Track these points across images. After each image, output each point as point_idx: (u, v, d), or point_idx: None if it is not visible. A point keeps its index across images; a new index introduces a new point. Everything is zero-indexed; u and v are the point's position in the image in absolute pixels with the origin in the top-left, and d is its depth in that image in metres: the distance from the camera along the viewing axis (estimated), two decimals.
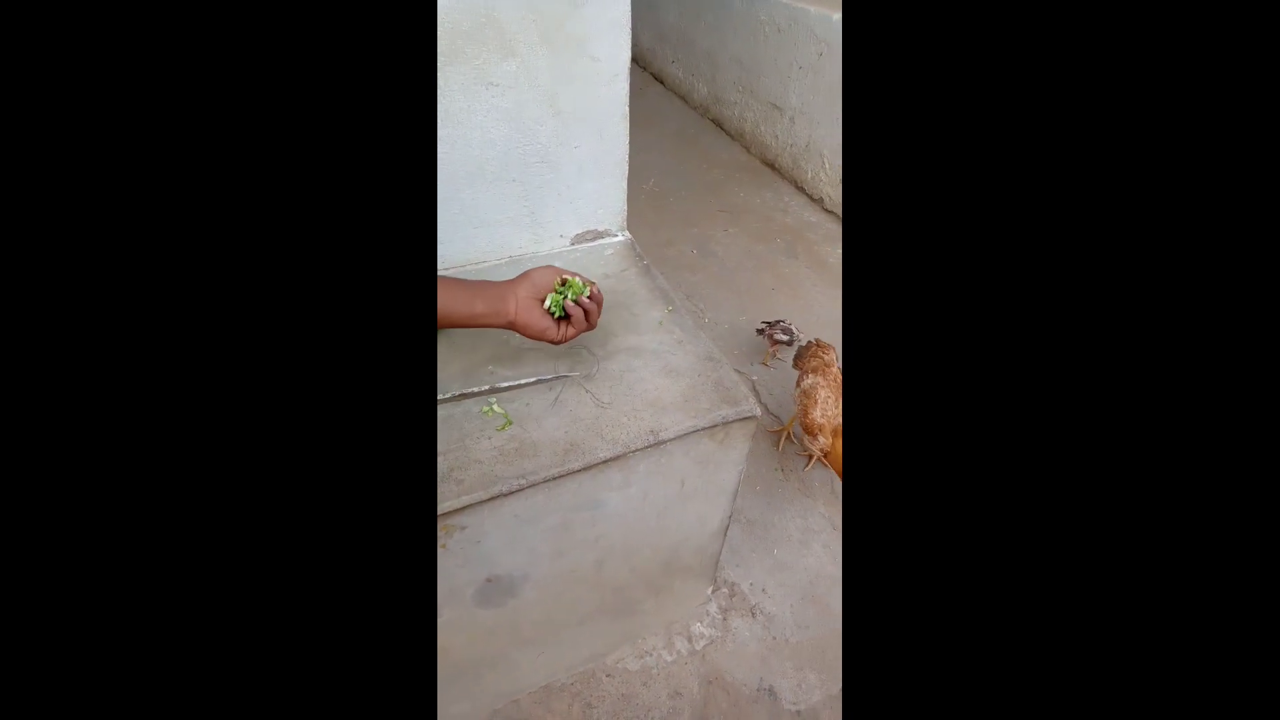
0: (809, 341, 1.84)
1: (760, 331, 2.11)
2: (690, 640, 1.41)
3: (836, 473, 1.57)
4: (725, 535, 1.21)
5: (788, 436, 1.89)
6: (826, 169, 3.03)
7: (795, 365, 1.79)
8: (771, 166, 3.42)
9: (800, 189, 3.21)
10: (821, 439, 1.61)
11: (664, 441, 0.84)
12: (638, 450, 0.82)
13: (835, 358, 1.76)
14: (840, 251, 2.79)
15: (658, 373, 0.92)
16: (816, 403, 1.65)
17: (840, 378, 1.68)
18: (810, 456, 1.83)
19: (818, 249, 2.81)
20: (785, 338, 2.05)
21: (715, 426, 0.88)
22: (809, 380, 1.69)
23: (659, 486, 0.91)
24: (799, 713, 1.32)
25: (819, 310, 2.46)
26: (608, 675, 1.34)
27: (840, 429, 1.58)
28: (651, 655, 1.37)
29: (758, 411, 0.92)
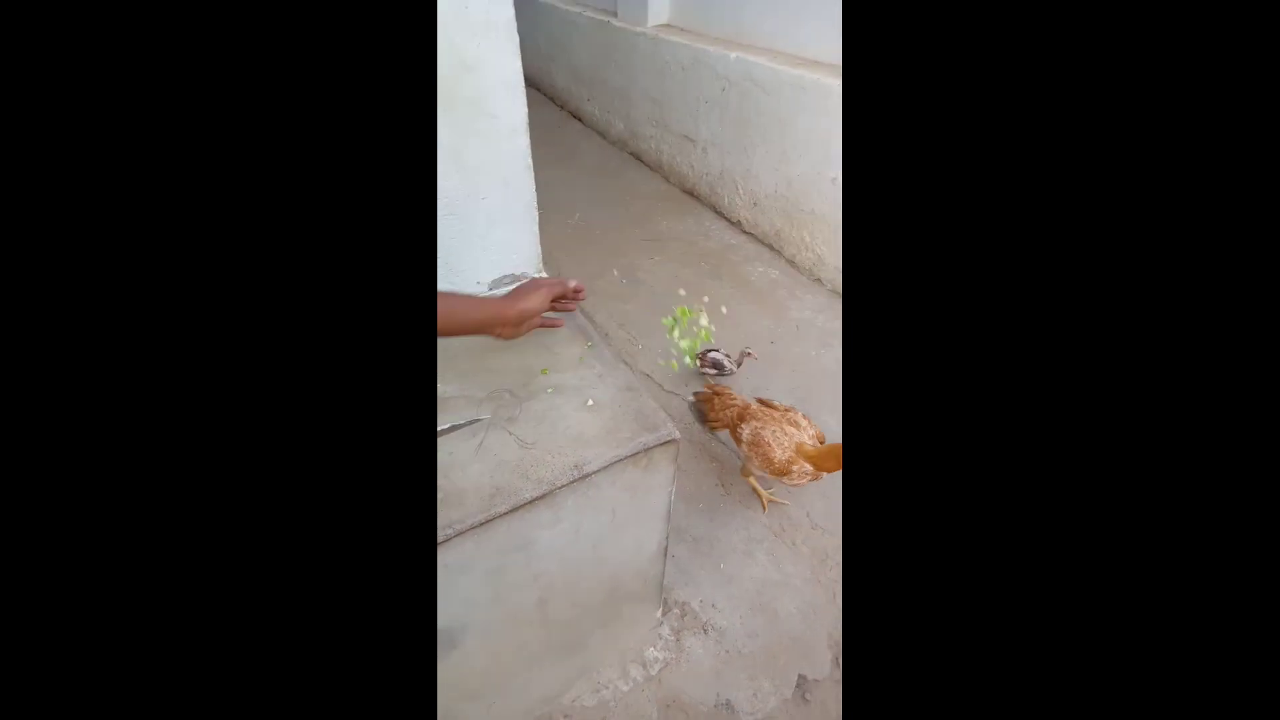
0: (704, 391, 1.81)
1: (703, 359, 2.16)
2: (645, 666, 1.42)
3: (827, 466, 1.48)
4: (665, 557, 1.24)
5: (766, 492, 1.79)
6: (741, 194, 3.20)
7: (705, 423, 1.73)
8: (691, 194, 3.57)
9: (719, 214, 3.36)
10: (797, 469, 1.54)
11: (589, 474, 0.87)
12: (564, 486, 0.85)
13: (738, 396, 1.72)
14: (760, 270, 2.94)
15: (579, 408, 0.95)
16: (771, 446, 1.59)
17: (771, 413, 1.65)
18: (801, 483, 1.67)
19: (740, 269, 2.94)
20: (713, 370, 2.11)
21: (638, 454, 0.92)
22: (746, 430, 1.64)
23: (590, 519, 0.93)
24: None
25: (747, 327, 2.58)
26: (565, 716, 1.33)
27: (806, 446, 1.54)
28: (608, 688, 1.37)
29: (677, 435, 0.97)
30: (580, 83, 4.44)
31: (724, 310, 2.56)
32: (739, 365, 2.09)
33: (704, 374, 2.07)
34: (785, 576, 1.62)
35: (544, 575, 0.92)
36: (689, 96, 3.36)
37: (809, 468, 1.53)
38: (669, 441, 0.95)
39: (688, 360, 2.12)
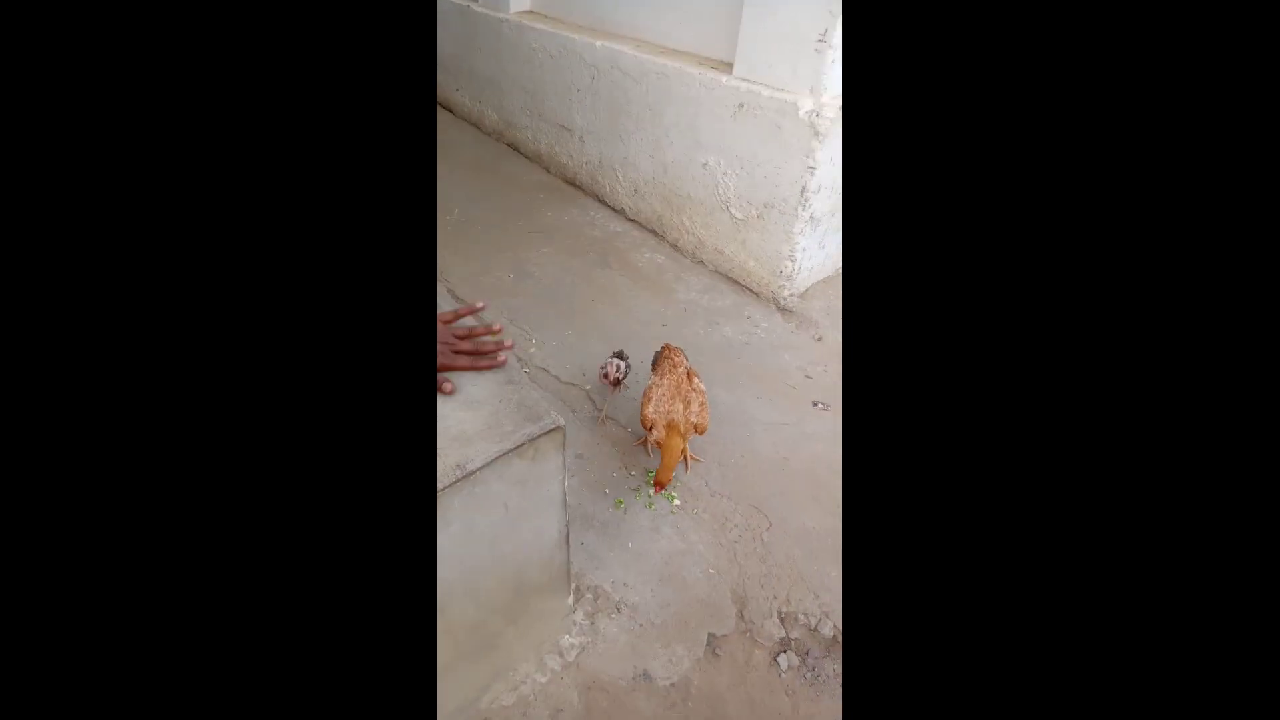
0: (663, 347, 1.97)
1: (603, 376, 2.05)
2: (562, 655, 1.44)
3: (665, 465, 1.70)
4: (568, 544, 1.25)
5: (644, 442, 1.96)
6: (621, 182, 3.24)
7: (652, 370, 1.91)
8: (573, 184, 3.56)
9: (603, 202, 3.38)
10: (655, 431, 1.75)
11: (473, 472, 0.86)
12: (447, 488, 0.83)
13: (683, 359, 1.91)
14: (647, 256, 3.00)
15: (458, 407, 0.93)
16: (650, 400, 1.81)
17: (686, 379, 1.84)
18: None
19: (628, 256, 2.99)
20: (618, 373, 1.97)
21: (523, 445, 0.92)
22: (651, 381, 1.86)
23: (481, 518, 0.92)
24: (673, 685, 1.42)
25: (638, 312, 2.64)
26: None
27: (676, 426, 1.73)
28: (526, 683, 1.37)
29: (561, 422, 0.98)
30: (446, 71, 4.23)
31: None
32: (622, 374, 1.97)
33: (610, 379, 1.99)
34: (689, 545, 1.70)
35: (440, 582, 0.89)
36: (560, 85, 3.34)
37: (658, 434, 1.75)
38: (554, 429, 0.96)
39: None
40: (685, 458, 1.91)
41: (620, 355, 2.00)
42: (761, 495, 1.85)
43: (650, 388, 1.85)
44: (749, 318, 2.63)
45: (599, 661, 1.44)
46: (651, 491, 1.81)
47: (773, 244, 2.60)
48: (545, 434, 0.95)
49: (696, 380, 1.87)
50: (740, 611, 1.56)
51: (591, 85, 3.14)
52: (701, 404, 1.81)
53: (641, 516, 1.77)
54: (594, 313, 2.60)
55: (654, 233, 3.14)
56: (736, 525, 1.76)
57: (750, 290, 2.78)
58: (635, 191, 3.18)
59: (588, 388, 2.21)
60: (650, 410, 1.79)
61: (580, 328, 2.49)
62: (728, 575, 1.63)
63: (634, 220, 3.24)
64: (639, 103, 2.92)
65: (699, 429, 1.79)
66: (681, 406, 1.77)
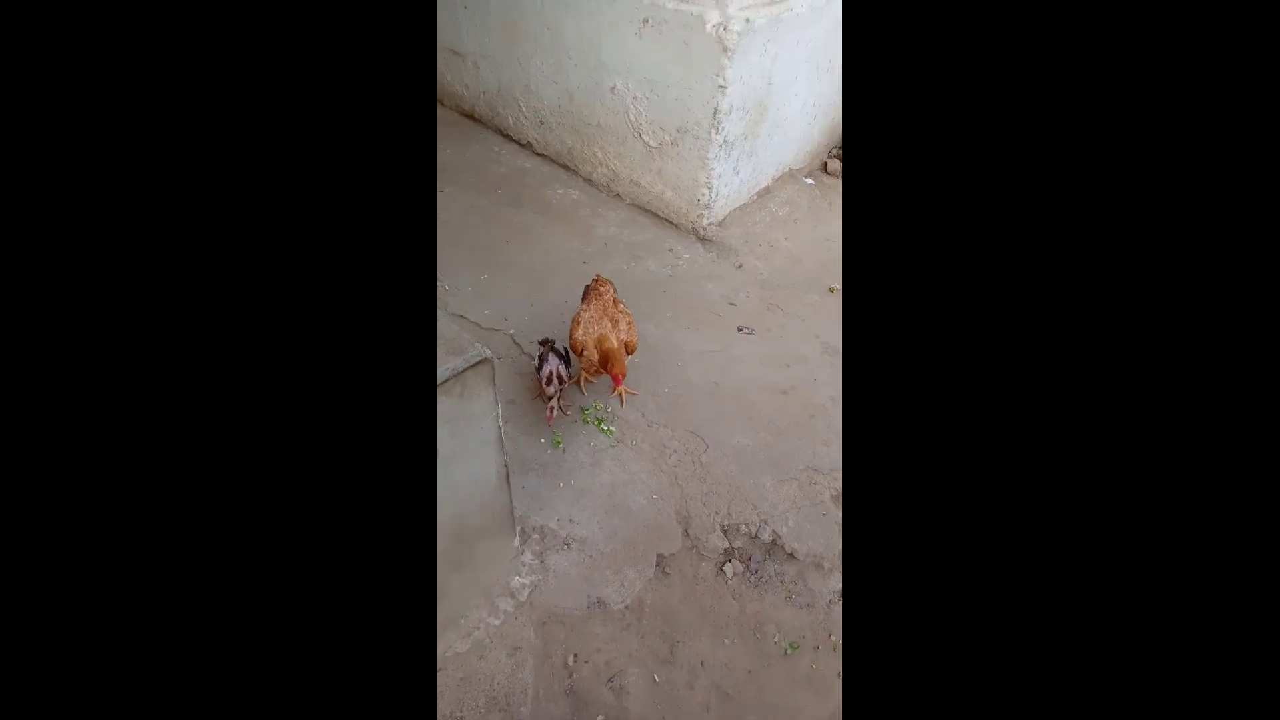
0: (594, 278, 1.90)
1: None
2: (513, 595, 1.43)
3: (613, 373, 1.68)
4: (509, 485, 1.22)
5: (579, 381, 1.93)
6: (525, 112, 3.02)
7: (581, 301, 1.86)
8: (471, 117, 3.28)
9: (507, 136, 3.16)
10: (585, 353, 1.73)
11: None
12: None
13: (611, 289, 1.88)
14: (560, 191, 2.86)
15: None
16: (579, 324, 1.77)
17: (612, 304, 1.83)
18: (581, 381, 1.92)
19: (540, 193, 2.84)
20: (558, 372, 1.69)
21: (449, 381, 0.86)
22: (579, 308, 1.83)
23: None
24: (627, 607, 1.46)
25: (556, 251, 2.54)
26: (440, 670, 1.29)
27: (603, 338, 1.71)
28: (480, 628, 1.36)
29: (488, 353, 0.92)
30: None
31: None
32: (564, 373, 1.73)
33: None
34: (631, 475, 1.73)
35: None
36: (444, 1, 2.99)
37: (594, 357, 1.73)
38: (480, 362, 0.90)
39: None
40: (619, 393, 1.91)
41: (549, 345, 1.77)
42: (697, 420, 1.89)
43: (578, 314, 1.82)
44: (670, 250, 2.61)
45: (552, 596, 1.45)
46: (611, 405, 1.78)
47: (688, 171, 2.56)
48: (471, 367, 0.89)
49: (623, 306, 1.86)
50: (685, 530, 1.62)
51: (479, 0, 2.85)
52: (629, 324, 1.82)
53: (581, 454, 1.76)
54: (509, 254, 2.47)
55: (565, 167, 2.99)
56: (675, 451, 1.80)
57: (669, 222, 2.75)
58: (541, 123, 2.99)
59: (511, 332, 2.12)
60: (580, 333, 1.77)
61: (496, 270, 2.36)
62: (670, 498, 1.68)
63: (543, 155, 3.07)
64: (535, 20, 2.69)
65: (629, 347, 1.80)
66: (610, 326, 1.75)
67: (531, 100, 2.96)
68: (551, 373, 1.73)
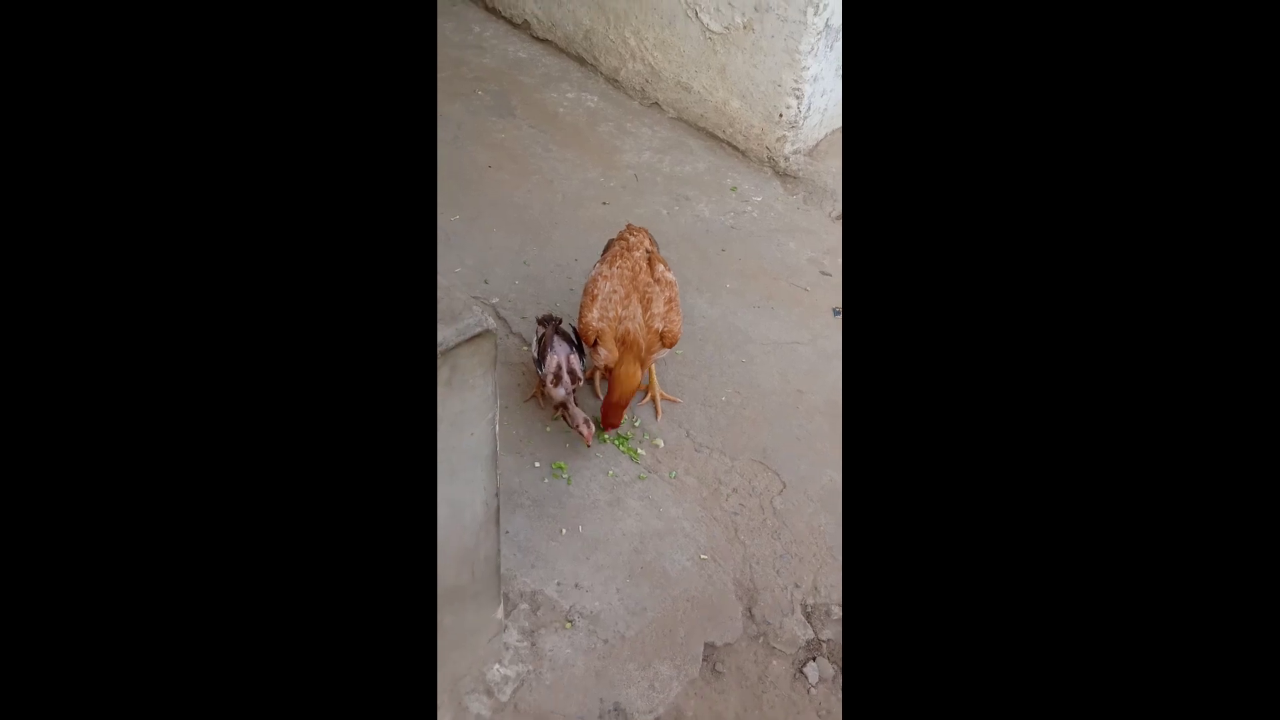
0: (624, 229, 1.90)
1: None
2: (491, 693, 1.43)
3: (620, 402, 1.67)
4: (499, 526, 1.21)
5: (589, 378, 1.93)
6: None
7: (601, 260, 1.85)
8: None
9: (494, 11, 3.15)
10: (603, 351, 1.71)
11: None
12: None
13: (645, 240, 1.85)
14: (570, 96, 2.85)
15: None
16: (595, 299, 1.75)
17: (645, 266, 1.80)
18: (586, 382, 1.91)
19: (539, 97, 2.83)
20: (563, 390, 1.69)
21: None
22: (595, 271, 1.80)
23: None
24: (658, 719, 1.45)
25: (562, 184, 2.53)
26: None
27: (634, 341, 1.69)
28: None
29: (491, 324, 0.90)
30: None
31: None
32: (576, 368, 1.73)
33: (553, 394, 1.74)
34: (669, 522, 1.71)
35: None
36: None
37: (606, 354, 1.70)
38: (479, 336, 0.88)
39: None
40: (653, 398, 1.89)
41: (553, 325, 1.75)
42: (768, 445, 1.88)
43: (593, 281, 1.79)
44: (734, 189, 2.60)
45: (547, 698, 1.44)
46: (604, 438, 1.79)
47: (768, 71, 2.53)
48: (465, 343, 0.87)
49: (662, 269, 1.83)
50: (748, 609, 1.61)
51: None
52: (670, 301, 1.78)
53: (594, 487, 1.75)
54: (491, 185, 2.47)
55: (580, 60, 2.98)
56: (736, 490, 1.79)
57: (733, 147, 2.73)
58: None
59: (494, 301, 2.11)
60: (594, 316, 1.74)
61: (472, 209, 2.36)
62: (727, 560, 1.66)
63: (546, 40, 3.06)
64: None
65: (666, 339, 1.77)
66: (639, 308, 1.73)
67: None
68: (560, 366, 1.72)
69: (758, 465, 1.84)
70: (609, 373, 1.75)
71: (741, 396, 1.98)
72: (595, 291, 1.77)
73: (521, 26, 3.11)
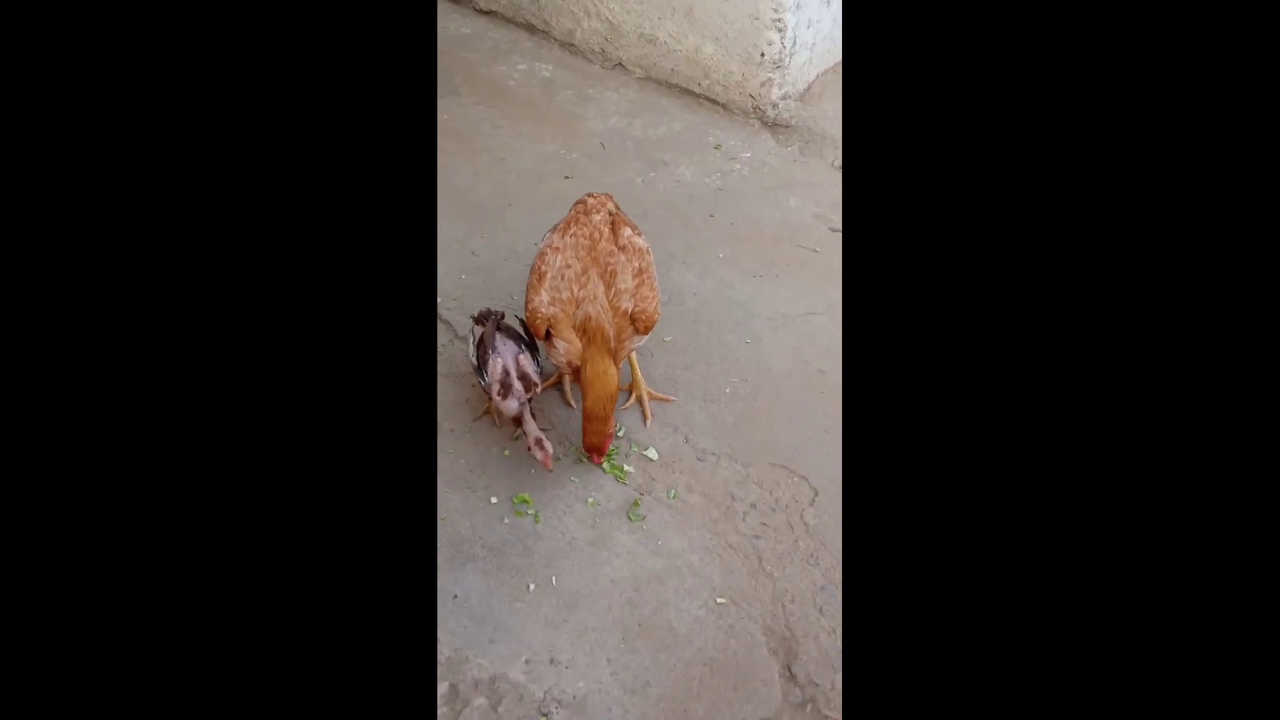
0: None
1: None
2: None
3: (597, 412, 1.26)
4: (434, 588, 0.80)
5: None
6: None
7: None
8: None
9: None
10: (560, 344, 1.31)
11: None
12: None
13: (607, 208, 1.46)
14: (521, 68, 2.49)
15: None
16: (543, 278, 1.36)
17: (608, 232, 1.41)
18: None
19: (487, 71, 2.46)
20: (515, 401, 1.33)
21: None
22: (545, 242, 1.43)
23: None
24: None
25: (517, 160, 2.12)
26: None
27: (598, 329, 1.28)
28: None
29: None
30: None
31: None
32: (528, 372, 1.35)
33: (502, 401, 1.35)
34: (671, 558, 1.30)
35: None
36: None
37: (565, 347, 1.32)
38: None
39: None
40: (639, 399, 1.48)
41: (494, 321, 1.37)
42: (789, 442, 1.48)
43: (540, 256, 1.41)
44: (718, 147, 2.22)
45: None
46: (627, 419, 1.43)
47: (741, 3, 2.14)
48: None
49: (629, 233, 1.43)
50: (787, 667, 1.19)
51: None
52: (641, 274, 1.39)
53: (570, 523, 1.33)
54: (438, 172, 2.09)
55: (528, 27, 2.62)
56: (754, 505, 1.37)
57: (712, 100, 2.36)
58: None
59: (445, 312, 1.71)
60: (543, 299, 1.34)
61: None
62: (752, 601, 1.24)
63: (490, 12, 2.69)
64: None
65: (640, 322, 1.36)
66: (601, 285, 1.32)
67: None
68: (507, 370, 1.31)
69: (779, 470, 1.43)
70: (578, 375, 1.33)
71: (750, 385, 1.57)
72: (543, 268, 1.37)
73: (463, 1, 2.76)
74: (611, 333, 1.31)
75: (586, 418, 1.29)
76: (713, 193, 2.07)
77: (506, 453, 1.43)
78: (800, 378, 1.59)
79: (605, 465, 1.39)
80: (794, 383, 1.58)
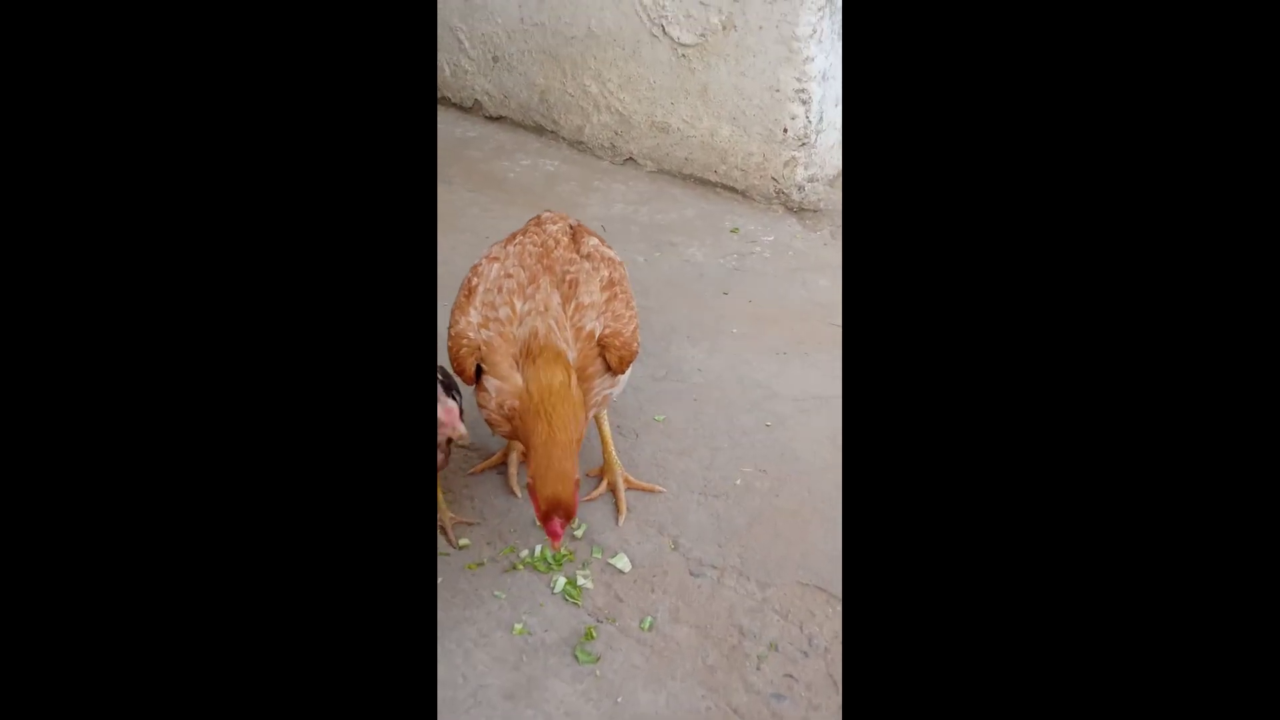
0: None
1: None
2: None
3: (548, 480, 0.84)
4: None
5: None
6: (468, 49, 2.60)
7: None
8: None
9: (442, 100, 2.73)
10: (492, 384, 0.92)
11: None
12: None
13: (565, 219, 1.18)
14: (525, 163, 2.32)
15: None
16: (472, 293, 1.08)
17: (566, 241, 1.12)
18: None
19: (488, 166, 2.31)
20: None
21: None
22: (482, 259, 1.14)
23: None
24: None
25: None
26: None
27: (549, 346, 0.90)
28: None
29: None
30: None
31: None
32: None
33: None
34: None
35: None
36: None
37: (497, 386, 0.96)
38: None
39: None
40: (610, 486, 1.05)
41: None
42: (824, 551, 1.02)
43: (472, 270, 1.11)
44: (735, 230, 1.94)
45: None
46: (547, 552, 1.01)
47: (761, 75, 1.95)
48: None
49: (594, 242, 1.13)
50: None
51: None
52: (612, 286, 1.05)
53: (477, 659, 0.86)
54: None
55: (537, 129, 2.49)
56: (773, 644, 0.91)
57: (729, 189, 2.11)
58: (495, 60, 2.54)
59: None
60: (470, 319, 1.02)
61: None
62: None
63: (499, 117, 2.58)
64: None
65: (612, 351, 0.99)
66: (554, 297, 0.94)
67: (477, 23, 2.55)
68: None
69: (813, 594, 0.99)
70: (519, 427, 0.93)
71: (770, 477, 1.15)
72: (474, 280, 1.02)
73: (472, 109, 2.68)
74: (570, 362, 0.91)
75: (534, 452, 0.87)
76: (728, 273, 1.75)
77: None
78: (837, 471, 1.14)
79: (548, 570, 0.93)
80: (832, 477, 1.14)
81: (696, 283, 1.73)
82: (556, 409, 0.86)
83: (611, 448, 1.08)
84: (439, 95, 2.75)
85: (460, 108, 2.71)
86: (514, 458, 1.10)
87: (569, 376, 0.89)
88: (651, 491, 1.09)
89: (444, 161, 2.36)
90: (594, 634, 0.90)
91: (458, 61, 2.64)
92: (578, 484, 0.88)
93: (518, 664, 0.86)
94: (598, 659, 0.87)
